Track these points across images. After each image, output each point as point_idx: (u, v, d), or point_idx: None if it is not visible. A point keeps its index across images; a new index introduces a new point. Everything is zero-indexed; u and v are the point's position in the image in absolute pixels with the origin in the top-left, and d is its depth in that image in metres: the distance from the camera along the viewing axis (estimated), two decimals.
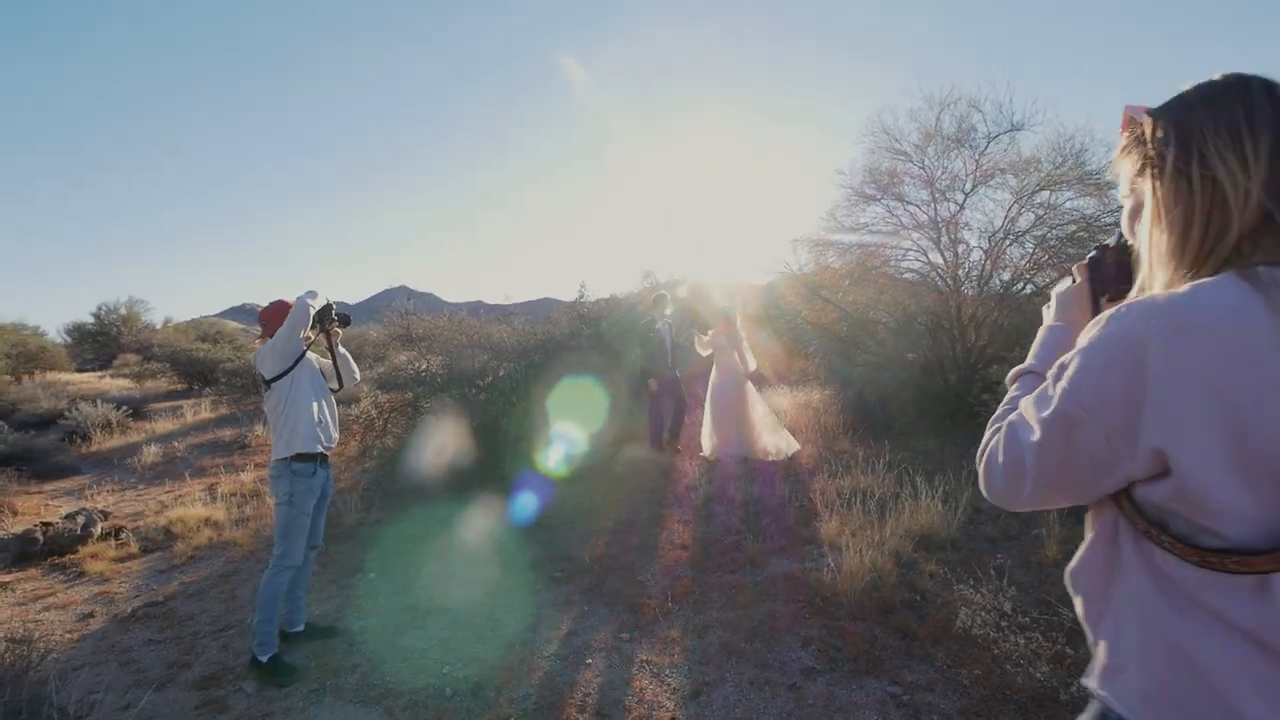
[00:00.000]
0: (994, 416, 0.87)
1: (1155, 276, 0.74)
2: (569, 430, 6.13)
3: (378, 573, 3.98)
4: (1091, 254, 0.95)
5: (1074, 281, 0.96)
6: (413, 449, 5.66)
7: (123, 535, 4.91)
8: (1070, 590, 0.81)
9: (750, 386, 6.26)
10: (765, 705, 2.48)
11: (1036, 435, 0.73)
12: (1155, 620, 0.68)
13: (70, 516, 4.93)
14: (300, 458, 2.91)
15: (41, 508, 6.10)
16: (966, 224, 7.49)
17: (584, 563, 3.93)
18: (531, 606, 3.42)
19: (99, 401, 10.36)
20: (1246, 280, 0.63)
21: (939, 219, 7.77)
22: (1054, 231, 7.15)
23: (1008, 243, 7.46)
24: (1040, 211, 7.27)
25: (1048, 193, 7.25)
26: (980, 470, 0.83)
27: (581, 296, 9.27)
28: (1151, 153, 0.74)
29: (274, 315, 3.01)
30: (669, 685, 2.66)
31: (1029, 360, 0.94)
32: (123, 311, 24.53)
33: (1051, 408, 0.72)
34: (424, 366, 6.35)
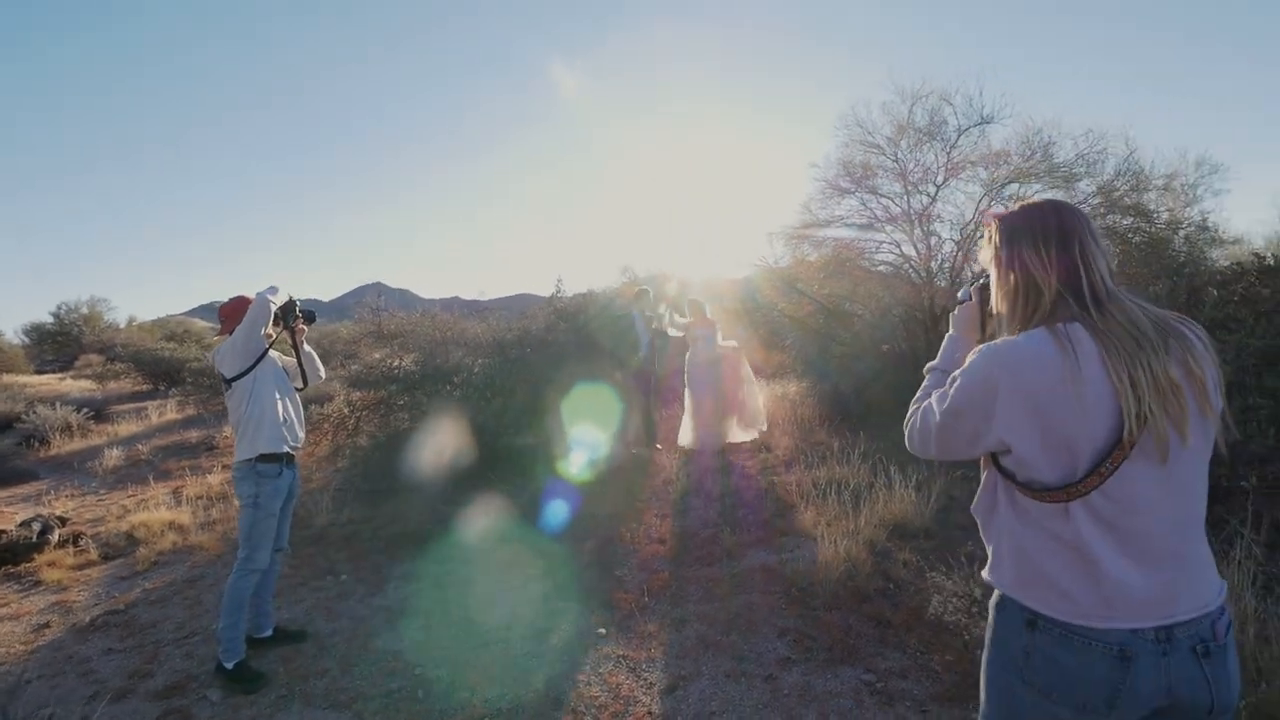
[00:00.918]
0: (915, 398, 1.27)
1: (1003, 324, 1.15)
2: (549, 427, 6.08)
3: (350, 574, 3.90)
4: (981, 282, 1.28)
5: (967, 302, 1.34)
6: (386, 448, 5.57)
7: (82, 542, 4.74)
8: (975, 517, 1.20)
9: (739, 365, 6.31)
10: (741, 697, 2.48)
11: (937, 419, 1.13)
12: (1013, 532, 1.09)
13: (26, 523, 4.74)
14: (265, 458, 2.82)
15: None
16: (938, 216, 7.58)
17: (561, 559, 3.89)
18: (507, 605, 3.38)
19: (58, 404, 10.00)
20: (1051, 332, 1.01)
21: (912, 211, 7.86)
22: None
23: (979, 235, 7.58)
24: (1009, 204, 7.39)
25: (1017, 185, 7.37)
26: (905, 433, 1.24)
27: (558, 292, 9.21)
28: (994, 249, 1.14)
29: (234, 311, 2.90)
30: (645, 680, 2.64)
31: (937, 360, 1.34)
32: (84, 311, 23.72)
33: (946, 404, 1.11)
34: (397, 364, 6.24)
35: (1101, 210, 6.74)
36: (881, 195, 8.14)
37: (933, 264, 7.75)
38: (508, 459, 5.61)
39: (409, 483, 5.20)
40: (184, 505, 5.37)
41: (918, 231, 7.92)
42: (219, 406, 9.62)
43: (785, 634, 2.88)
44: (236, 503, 3.06)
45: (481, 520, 4.46)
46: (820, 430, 6.28)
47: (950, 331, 1.35)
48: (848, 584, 3.20)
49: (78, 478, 7.24)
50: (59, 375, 18.35)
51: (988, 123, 7.08)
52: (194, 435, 8.82)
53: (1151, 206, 6.83)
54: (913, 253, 8.02)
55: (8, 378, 16.08)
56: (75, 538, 4.80)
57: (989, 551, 1.17)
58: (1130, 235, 6.60)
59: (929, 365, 1.34)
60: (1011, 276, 1.10)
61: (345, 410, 6.52)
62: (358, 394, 6.47)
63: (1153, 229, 6.61)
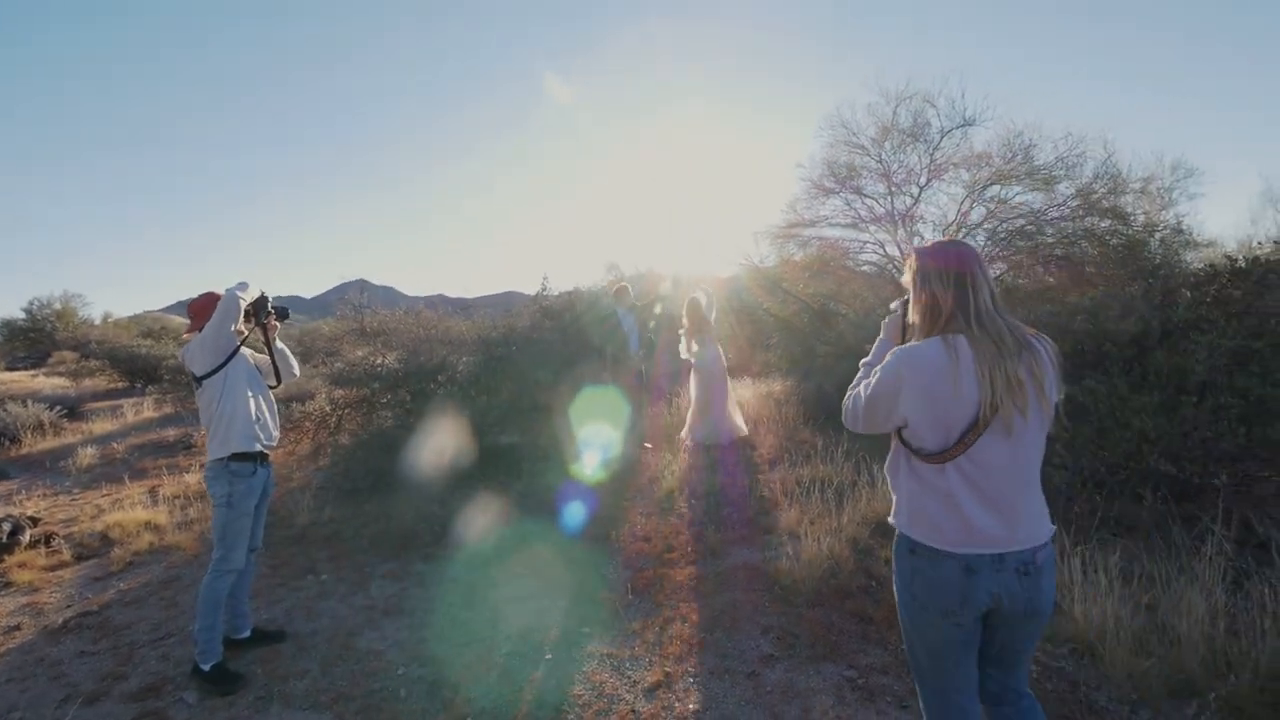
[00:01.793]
0: (851, 385, 1.64)
1: (915, 332, 1.54)
2: (534, 426, 6.06)
3: (331, 574, 3.85)
4: (905, 299, 1.63)
5: (895, 314, 1.73)
6: (369, 447, 5.51)
7: (54, 542, 4.63)
8: (887, 475, 1.61)
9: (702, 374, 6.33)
10: (725, 694, 2.49)
11: (864, 401, 1.53)
12: (908, 485, 1.52)
13: None
14: (238, 457, 2.77)
15: None
16: (922, 217, 7.67)
17: (545, 557, 3.88)
18: (491, 603, 3.36)
19: (30, 401, 9.76)
20: (943, 340, 1.41)
21: (895, 212, 7.95)
22: (1004, 225, 7.38)
23: (961, 236, 7.67)
24: (991, 205, 7.49)
25: (998, 187, 7.48)
26: (845, 411, 1.63)
27: (544, 289, 9.17)
28: (911, 273, 1.54)
29: (203, 308, 2.83)
30: (629, 678, 2.64)
31: (870, 356, 1.72)
32: (57, 307, 23.19)
33: (870, 390, 1.51)
34: (380, 362, 6.18)
35: (1080, 212, 6.86)
36: (866, 196, 8.22)
37: None
38: (493, 458, 5.58)
39: (392, 482, 5.15)
40: (160, 505, 5.27)
41: (901, 232, 8.01)
42: (196, 405, 9.46)
43: (768, 631, 2.90)
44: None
45: (466, 519, 4.43)
46: (804, 429, 6.32)
47: (880, 335, 1.76)
48: (830, 581, 3.23)
49: (50, 477, 7.07)
50: (31, 372, 17.92)
51: (970, 125, 7.19)
52: (171, 434, 8.66)
53: (1129, 209, 6.96)
54: (896, 253, 8.10)
55: None
56: (47, 538, 4.69)
57: (893, 494, 1.59)
58: (1108, 237, 6.72)
59: (863, 360, 1.72)
60: (923, 297, 1.50)
61: (327, 408, 6.44)
62: (340, 392, 6.40)
63: (1130, 231, 6.74)
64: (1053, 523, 1.49)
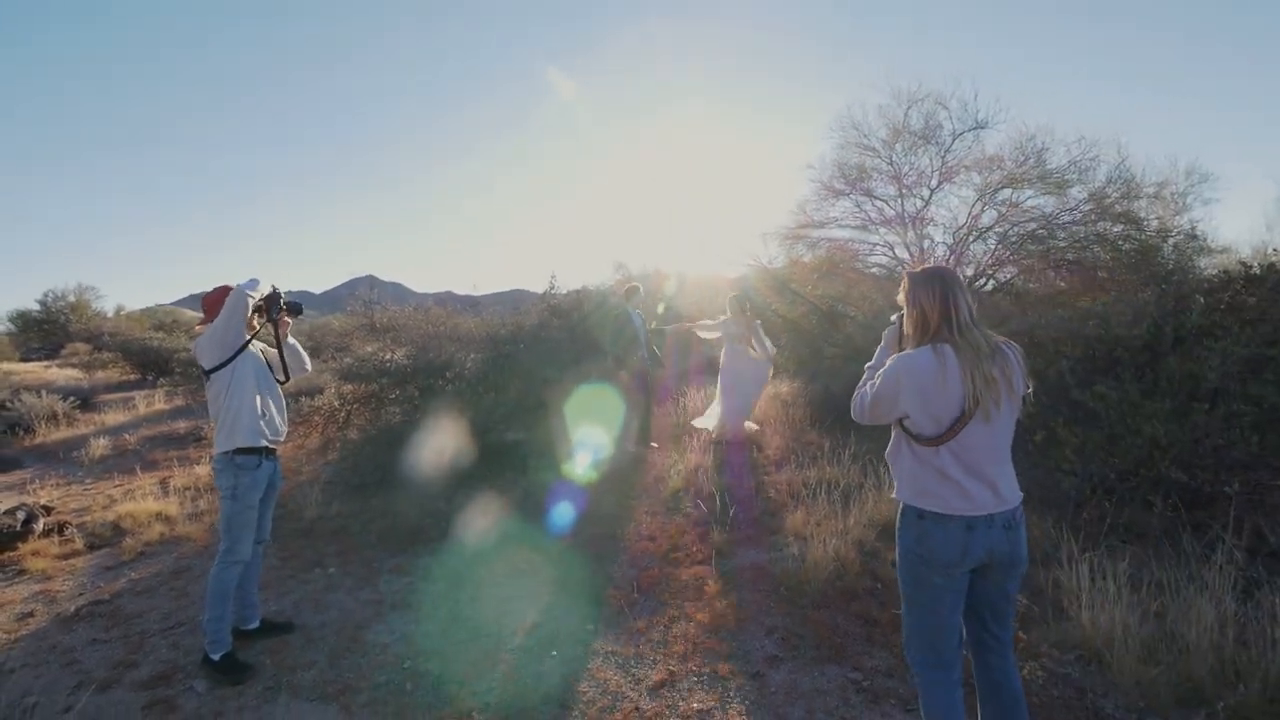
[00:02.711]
0: (858, 385, 1.96)
1: (909, 341, 1.84)
2: (542, 423, 6.08)
3: (338, 567, 3.88)
4: (901, 313, 1.92)
5: (893, 326, 2.00)
6: (377, 442, 5.54)
7: (67, 531, 4.69)
8: (888, 459, 1.91)
9: (761, 369, 6.37)
10: (729, 694, 2.49)
11: (869, 399, 1.85)
12: (909, 465, 1.81)
13: (9, 511, 4.69)
14: (243, 451, 2.80)
15: None
16: (932, 220, 7.64)
17: (551, 554, 3.90)
18: (497, 599, 3.38)
19: (44, 392, 9.89)
20: (933, 349, 1.72)
21: (905, 214, 7.91)
22: (1015, 228, 7.33)
23: (971, 239, 7.63)
24: (1002, 209, 7.45)
25: (1010, 191, 7.44)
26: (853, 406, 1.94)
27: (552, 288, 9.19)
28: (904, 294, 1.84)
29: (216, 301, 2.85)
30: (633, 676, 2.65)
31: (873, 361, 2.04)
32: (71, 299, 23.43)
33: (874, 391, 1.82)
34: (389, 358, 6.21)
35: (1092, 217, 6.81)
36: (876, 198, 8.19)
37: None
38: (500, 454, 5.60)
39: (399, 477, 5.19)
40: (171, 496, 5.33)
41: (911, 235, 7.98)
42: (205, 397, 9.55)
43: (773, 632, 2.90)
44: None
45: (472, 515, 4.45)
46: (811, 431, 6.31)
47: (881, 343, 2.06)
48: (836, 583, 3.23)
49: (63, 467, 7.16)
50: (45, 363, 18.14)
51: (982, 127, 7.15)
52: (182, 426, 8.74)
53: (1142, 214, 6.91)
54: (906, 256, 8.07)
55: None
56: (60, 527, 4.75)
57: (894, 478, 1.90)
58: (1120, 242, 6.67)
59: (868, 365, 2.04)
60: (914, 312, 1.81)
61: (336, 403, 6.48)
62: (349, 387, 6.44)
63: (1143, 236, 6.69)
64: (1021, 490, 1.83)
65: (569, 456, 5.62)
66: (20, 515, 4.64)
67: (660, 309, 6.60)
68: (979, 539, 1.73)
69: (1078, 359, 4.05)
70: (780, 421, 6.74)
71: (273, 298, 2.91)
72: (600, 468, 5.46)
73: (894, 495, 1.89)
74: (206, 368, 2.78)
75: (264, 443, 2.87)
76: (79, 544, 4.48)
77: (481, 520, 4.38)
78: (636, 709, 2.44)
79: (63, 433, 8.80)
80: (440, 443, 5.32)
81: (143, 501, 5.13)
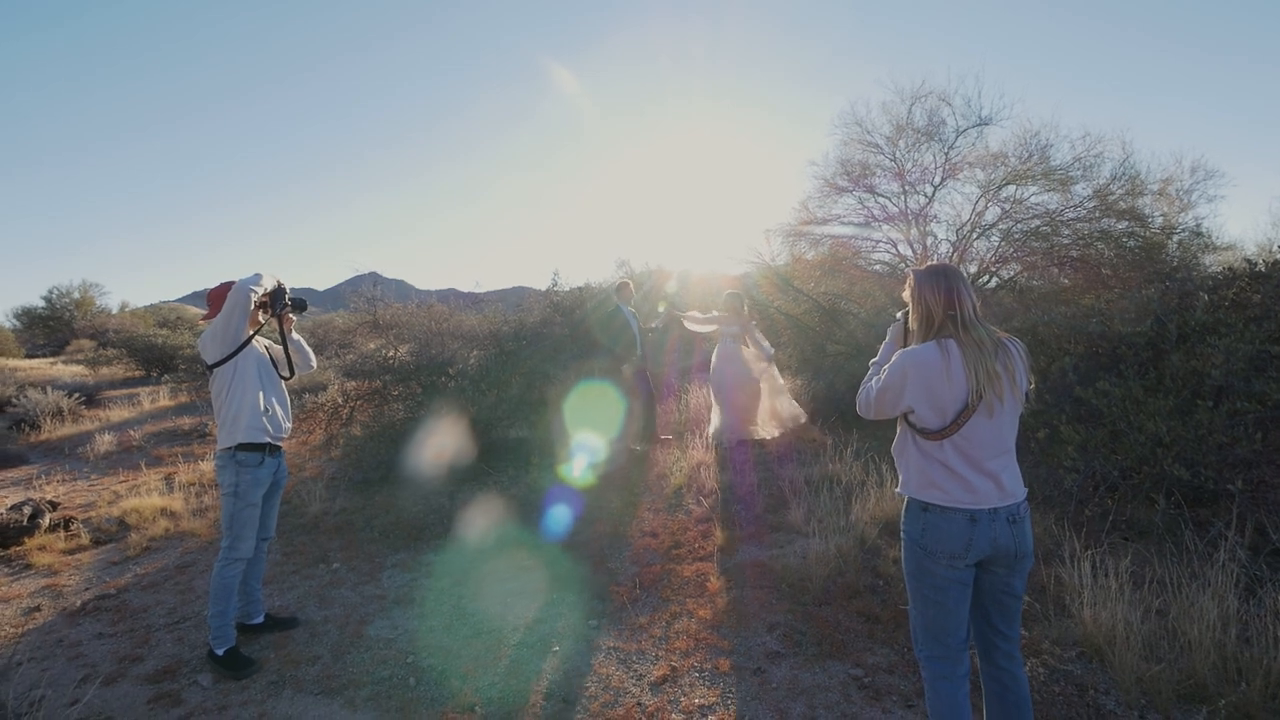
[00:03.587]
0: (864, 380, 1.98)
1: (914, 337, 1.86)
2: (544, 420, 6.09)
3: (342, 563, 3.90)
4: (905, 311, 1.97)
5: (898, 322, 2.03)
6: (380, 438, 5.56)
7: (73, 526, 4.73)
8: (894, 454, 1.93)
9: (763, 368, 6.28)
10: (730, 690, 2.50)
11: (875, 393, 1.87)
12: (914, 459, 1.83)
13: (16, 507, 4.73)
14: (244, 447, 2.80)
15: None
16: (935, 217, 7.62)
17: (554, 551, 3.91)
18: (500, 595, 3.40)
19: (49, 388, 9.94)
20: (937, 344, 1.74)
21: (908, 211, 7.90)
22: (1019, 225, 7.31)
23: (975, 236, 7.61)
24: (1006, 206, 7.42)
25: (1014, 187, 7.41)
26: (858, 401, 1.96)
27: (555, 285, 9.19)
28: (910, 290, 1.86)
29: (219, 296, 2.85)
30: (636, 671, 2.66)
31: (878, 356, 2.07)
32: (76, 296, 23.54)
33: (880, 385, 1.85)
34: (392, 354, 6.23)
35: (1096, 214, 6.78)
36: (879, 194, 8.18)
37: (929, 264, 7.79)
38: (502, 451, 5.62)
39: (403, 473, 5.21)
40: (176, 491, 5.36)
41: (914, 231, 7.96)
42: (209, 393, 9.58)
43: (775, 628, 2.91)
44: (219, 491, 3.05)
45: (475, 512, 4.47)
46: (814, 427, 6.31)
47: (886, 339, 2.10)
48: (838, 580, 3.23)
49: (69, 463, 7.21)
50: (50, 360, 18.22)
51: (986, 124, 7.12)
52: (186, 422, 8.78)
53: (1146, 211, 6.88)
54: (909, 253, 8.06)
55: None
56: (66, 522, 4.79)
57: (900, 472, 1.92)
58: (1124, 239, 6.65)
59: (873, 360, 2.09)
60: (919, 309, 1.83)
61: (339, 400, 6.51)
62: (352, 384, 6.46)
63: (1147, 233, 6.66)
64: (1025, 485, 1.84)
65: (571, 455, 5.64)
66: (26, 510, 4.68)
67: (661, 307, 6.58)
68: (983, 532, 1.74)
69: (1081, 356, 4.04)
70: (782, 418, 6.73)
71: (277, 293, 2.91)
72: (602, 466, 5.47)
73: (899, 490, 1.91)
74: (210, 362, 2.78)
75: (266, 439, 2.87)
76: (85, 539, 4.51)
77: (484, 517, 4.39)
78: (638, 704, 2.45)
79: (68, 429, 8.84)
80: (443, 439, 5.34)
81: (148, 497, 5.16)
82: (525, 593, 3.41)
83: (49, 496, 5.39)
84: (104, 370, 14.06)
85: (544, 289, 9.00)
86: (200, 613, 3.30)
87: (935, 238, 7.72)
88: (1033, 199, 7.33)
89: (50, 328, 22.41)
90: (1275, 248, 7.42)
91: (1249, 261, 4.04)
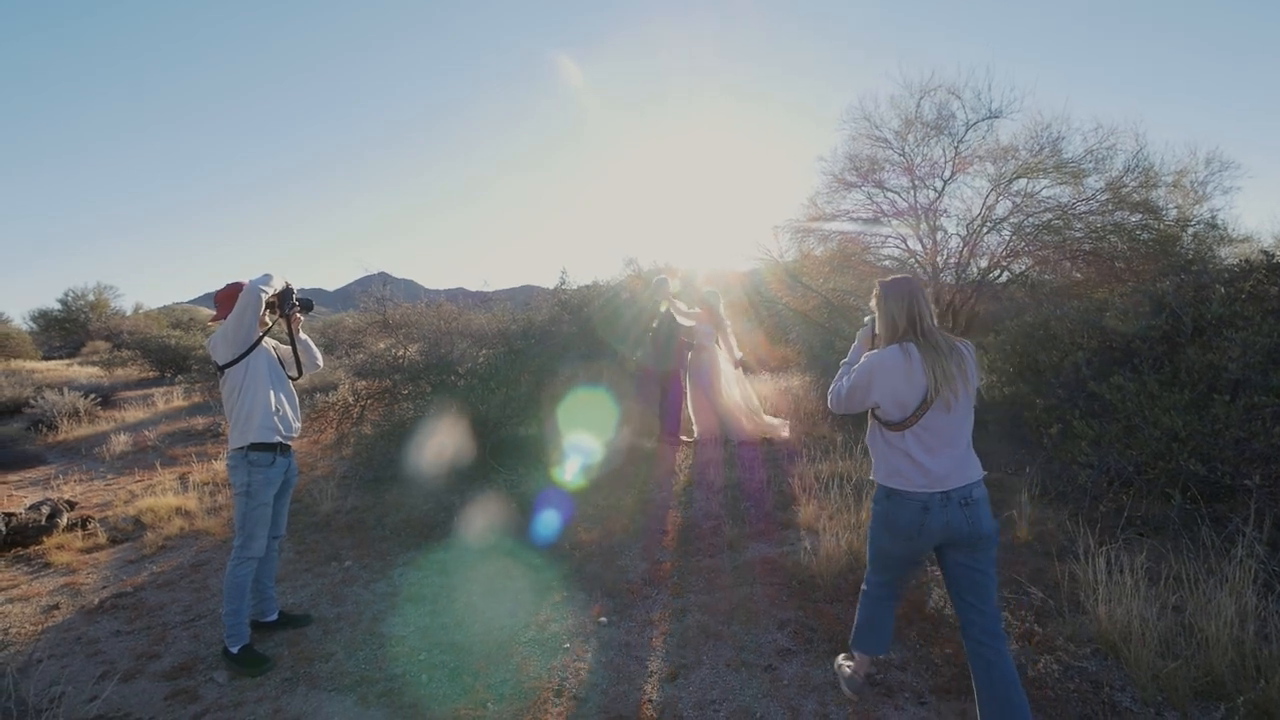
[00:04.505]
0: (834, 379, 2.23)
1: (880, 341, 2.12)
2: (553, 419, 6.11)
3: (354, 560, 3.93)
4: (872, 317, 2.25)
5: (865, 328, 2.33)
6: (390, 437, 5.60)
7: (90, 525, 4.79)
8: (868, 445, 2.18)
9: (732, 372, 6.33)
10: (741, 686, 2.50)
11: (845, 392, 2.11)
12: (882, 449, 2.10)
13: (35, 506, 4.80)
14: (256, 447, 2.82)
15: (5, 498, 5.93)
16: (945, 211, 7.55)
17: (564, 548, 3.92)
18: (511, 592, 3.41)
19: (66, 390, 10.08)
20: (900, 347, 2.01)
21: (918, 206, 7.83)
22: (1030, 219, 7.22)
23: (985, 230, 7.53)
24: (1017, 199, 7.34)
25: (1025, 181, 7.32)
26: (830, 398, 2.19)
27: (563, 283, 9.20)
28: (879, 300, 2.13)
29: (228, 297, 2.87)
30: (647, 668, 2.67)
31: (848, 358, 2.35)
32: (91, 298, 23.82)
33: (849, 384, 2.10)
34: (401, 354, 6.27)
35: (1109, 207, 6.70)
36: (888, 189, 8.10)
37: (939, 259, 7.72)
38: (512, 449, 5.64)
39: (413, 471, 5.24)
40: (190, 491, 5.41)
41: (924, 226, 7.89)
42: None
43: (786, 625, 2.90)
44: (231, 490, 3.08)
45: (486, 510, 4.48)
46: (823, 424, 6.29)
47: (855, 343, 2.37)
48: (849, 577, 3.22)
49: (86, 463, 7.31)
50: (66, 361, 18.47)
51: (996, 117, 7.03)
52: (200, 422, 8.88)
53: (1160, 203, 6.78)
54: (919, 248, 7.99)
55: (15, 363, 16.20)
56: (83, 521, 4.85)
57: (872, 460, 2.18)
58: (1138, 232, 6.56)
59: (843, 361, 2.35)
60: (885, 317, 2.09)
61: (350, 399, 6.55)
62: (362, 383, 6.51)
63: (1161, 226, 6.57)
64: (984, 469, 2.07)
65: (576, 453, 5.64)
66: (45, 510, 4.75)
67: (663, 307, 6.57)
68: (935, 517, 1.99)
69: (1094, 350, 4.00)
70: (792, 415, 6.72)
71: (285, 293, 2.93)
72: (611, 465, 5.47)
73: (871, 475, 2.21)
74: (221, 363, 2.81)
75: (278, 439, 2.89)
76: (102, 538, 4.57)
77: (495, 515, 4.41)
78: (649, 701, 2.45)
79: (84, 429, 8.96)
80: (453, 438, 5.36)
81: (163, 496, 5.23)
82: (536, 590, 3.42)
83: (67, 496, 5.47)
84: (119, 371, 14.24)
85: (552, 287, 9.01)
86: (215, 610, 3.34)
87: (945, 232, 7.65)
88: (1044, 192, 7.24)
89: (66, 330, 22.69)
90: None
91: (1266, 253, 3.98)
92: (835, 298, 8.07)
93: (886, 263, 8.26)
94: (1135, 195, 6.66)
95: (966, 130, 7.16)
